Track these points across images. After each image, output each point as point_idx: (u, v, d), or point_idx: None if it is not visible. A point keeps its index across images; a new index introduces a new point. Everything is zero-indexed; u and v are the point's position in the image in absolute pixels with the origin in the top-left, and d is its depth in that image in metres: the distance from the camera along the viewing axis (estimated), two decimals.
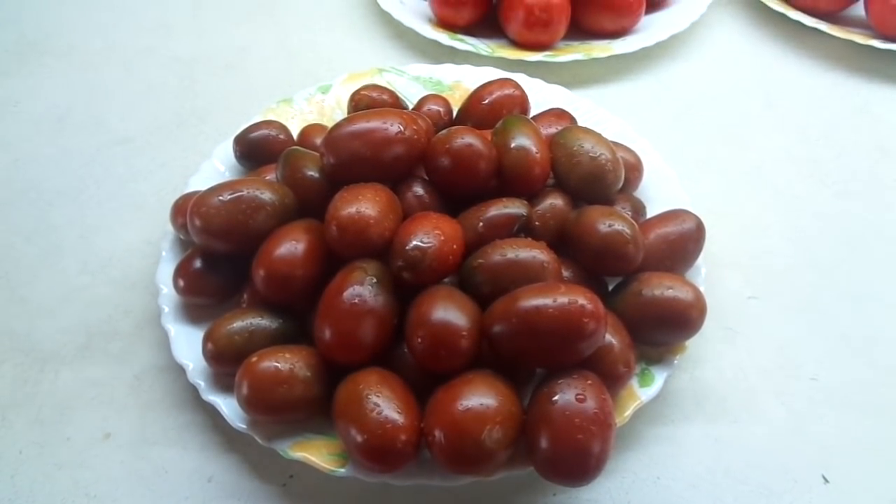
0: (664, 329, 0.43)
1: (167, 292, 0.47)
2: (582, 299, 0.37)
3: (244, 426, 0.41)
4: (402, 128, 0.44)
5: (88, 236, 0.55)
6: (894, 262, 0.53)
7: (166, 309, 0.46)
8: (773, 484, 0.42)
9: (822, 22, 0.69)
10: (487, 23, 0.70)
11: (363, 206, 0.41)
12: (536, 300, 0.37)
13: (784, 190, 0.58)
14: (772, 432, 0.44)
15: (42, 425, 0.44)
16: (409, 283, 0.40)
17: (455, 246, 0.41)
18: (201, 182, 0.52)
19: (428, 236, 0.40)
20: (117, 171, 0.59)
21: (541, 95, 0.57)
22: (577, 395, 0.36)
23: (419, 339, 0.38)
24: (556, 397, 0.36)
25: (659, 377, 0.43)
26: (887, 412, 0.45)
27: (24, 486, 0.42)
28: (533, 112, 0.55)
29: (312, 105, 0.59)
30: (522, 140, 0.46)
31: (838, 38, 0.68)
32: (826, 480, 0.42)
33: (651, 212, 0.50)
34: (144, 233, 0.54)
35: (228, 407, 0.41)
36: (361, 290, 0.39)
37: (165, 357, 0.44)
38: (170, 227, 0.49)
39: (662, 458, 0.43)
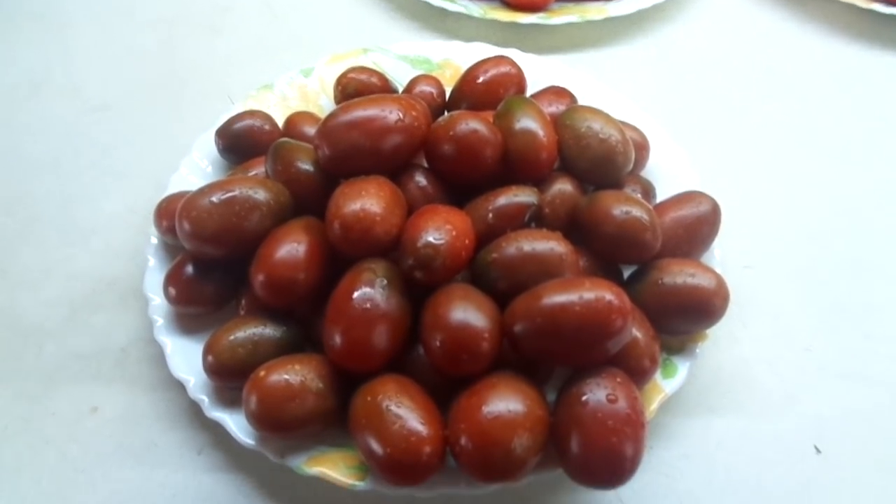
0: (686, 318, 0.41)
1: (158, 303, 0.44)
2: (609, 294, 0.35)
3: (253, 443, 0.39)
4: (401, 115, 0.41)
5: (69, 206, 0.53)
6: (891, 232, 0.53)
7: (159, 321, 0.43)
8: (765, 454, 0.42)
9: None
10: None
11: (367, 201, 0.39)
12: (561, 297, 0.35)
13: (781, 157, 0.58)
14: (764, 402, 0.44)
15: (27, 400, 0.44)
16: (421, 283, 0.38)
17: (467, 241, 0.39)
18: (182, 180, 0.49)
19: (439, 232, 0.38)
20: (97, 139, 0.58)
21: (536, 72, 0.54)
22: (608, 395, 0.35)
23: (438, 343, 0.36)
24: (585, 397, 0.35)
25: (682, 367, 0.41)
26: (880, 382, 0.45)
27: (9, 462, 0.41)
28: (530, 90, 0.52)
29: (295, 90, 0.55)
30: (528, 122, 0.43)
31: (839, 2, 0.67)
32: (818, 450, 0.42)
33: (660, 192, 0.48)
34: (127, 202, 0.53)
35: (236, 423, 0.39)
36: (372, 292, 0.37)
37: (151, 330, 0.43)
38: (153, 231, 0.47)
39: (654, 427, 0.42)
